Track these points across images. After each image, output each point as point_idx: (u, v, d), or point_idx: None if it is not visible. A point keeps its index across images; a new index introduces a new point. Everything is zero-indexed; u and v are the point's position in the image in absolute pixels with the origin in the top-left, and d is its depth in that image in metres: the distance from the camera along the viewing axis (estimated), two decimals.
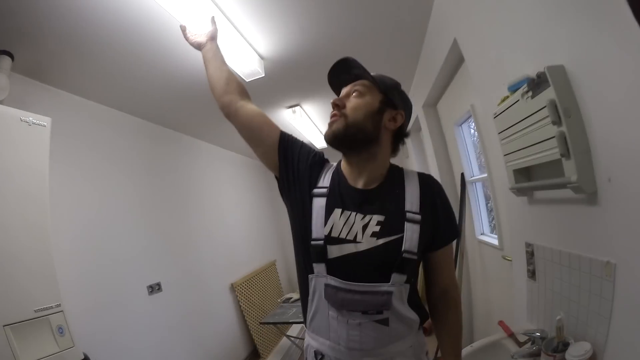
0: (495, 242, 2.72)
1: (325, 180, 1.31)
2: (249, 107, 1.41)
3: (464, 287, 3.56)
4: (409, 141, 5.25)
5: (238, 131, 1.42)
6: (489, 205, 3.23)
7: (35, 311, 1.89)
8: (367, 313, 1.16)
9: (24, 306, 1.86)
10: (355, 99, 1.26)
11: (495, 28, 1.75)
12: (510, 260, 2.23)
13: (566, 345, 1.33)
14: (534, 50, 1.43)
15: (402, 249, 1.16)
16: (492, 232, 3.15)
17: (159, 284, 3.60)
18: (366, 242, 1.17)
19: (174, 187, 4.29)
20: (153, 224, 3.76)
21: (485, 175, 2.71)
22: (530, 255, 1.79)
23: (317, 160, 1.37)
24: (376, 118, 1.25)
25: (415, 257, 1.18)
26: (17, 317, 1.82)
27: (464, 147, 3.39)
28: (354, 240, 1.18)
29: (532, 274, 1.78)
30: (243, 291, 5.29)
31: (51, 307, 1.97)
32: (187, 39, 1.67)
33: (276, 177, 1.40)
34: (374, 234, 1.18)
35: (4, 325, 1.74)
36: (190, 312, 4.05)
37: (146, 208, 3.69)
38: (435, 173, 4.15)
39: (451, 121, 3.46)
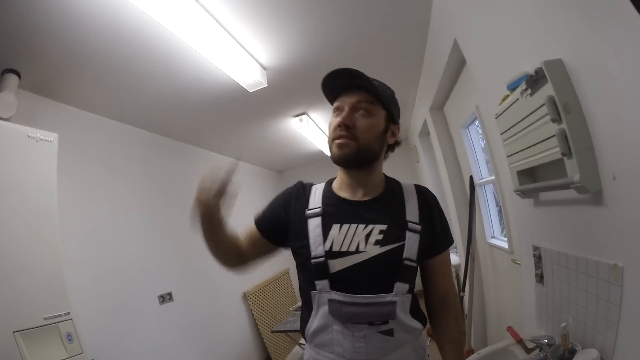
0: (505, 245, 2.66)
1: (316, 202, 1.32)
2: (247, 257, 1.45)
3: (477, 292, 3.50)
4: (419, 145, 5.28)
5: (254, 265, 1.50)
6: (499, 207, 3.17)
7: (45, 319, 1.96)
8: (373, 324, 1.16)
9: (34, 313, 1.93)
10: (364, 119, 1.23)
11: (493, 24, 1.71)
12: (519, 264, 2.17)
13: (573, 352, 1.27)
14: (532, 44, 1.38)
15: (403, 256, 1.17)
16: (502, 234, 3.08)
17: (170, 294, 3.61)
18: (370, 251, 1.18)
19: (184, 197, 4.26)
20: (163, 234, 3.78)
21: (493, 177, 2.65)
22: (538, 258, 1.73)
23: (294, 193, 1.39)
24: (383, 137, 1.28)
25: (414, 264, 1.20)
26: (27, 324, 1.88)
27: (471, 149, 3.33)
28: (357, 251, 1.18)
29: (540, 278, 1.73)
30: (256, 300, 5.28)
31: (60, 315, 2.04)
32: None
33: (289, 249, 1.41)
34: (377, 242, 1.19)
35: (14, 332, 1.81)
36: (202, 322, 4.05)
37: (156, 218, 3.72)
38: (444, 176, 4.12)
39: (458, 124, 3.41)
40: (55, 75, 2.50)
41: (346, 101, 1.25)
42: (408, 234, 1.20)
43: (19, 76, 2.31)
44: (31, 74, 2.37)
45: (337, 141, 1.24)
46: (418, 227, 1.22)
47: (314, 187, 1.38)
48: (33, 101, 2.59)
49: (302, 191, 1.38)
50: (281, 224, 1.35)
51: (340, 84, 1.27)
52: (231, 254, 1.41)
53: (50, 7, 1.88)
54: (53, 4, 1.85)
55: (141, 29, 2.17)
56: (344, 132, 1.22)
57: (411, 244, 1.19)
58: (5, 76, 2.25)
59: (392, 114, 1.29)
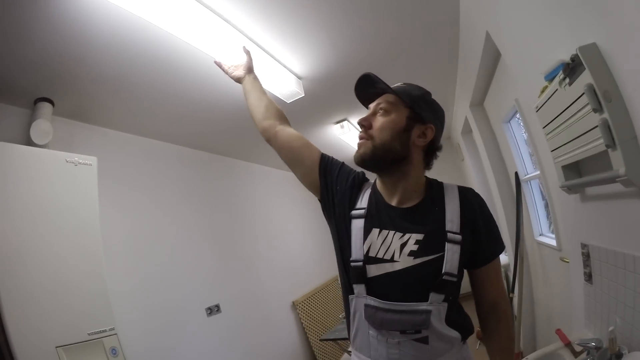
0: (554, 242, 2.55)
1: (363, 201, 1.31)
2: (288, 130, 1.47)
3: (526, 291, 3.38)
4: (462, 143, 5.17)
5: (278, 153, 1.47)
6: (545, 202, 3.04)
7: (89, 334, 2.03)
8: (406, 332, 1.13)
9: (78, 329, 2.00)
10: (381, 117, 1.24)
11: (523, 12, 1.64)
12: (568, 262, 2.07)
13: (619, 356, 1.20)
14: (565, 30, 1.32)
15: (443, 270, 1.13)
16: (550, 231, 2.96)
17: (217, 306, 3.66)
18: (403, 261, 1.15)
19: (229, 210, 4.40)
20: (210, 246, 3.86)
21: (539, 172, 2.55)
22: (586, 256, 1.65)
23: (356, 181, 1.37)
24: (404, 136, 1.22)
25: (455, 279, 1.14)
26: (71, 339, 1.94)
27: (514, 144, 3.22)
28: (391, 260, 1.17)
29: (588, 277, 1.64)
30: (304, 308, 5.28)
31: (105, 331, 2.10)
32: (226, 73, 1.76)
33: (319, 200, 1.41)
34: (411, 253, 1.15)
35: (56, 347, 1.87)
36: (250, 332, 4.08)
37: (201, 232, 3.80)
38: (489, 174, 4.02)
39: (499, 118, 3.31)
40: (89, 100, 2.55)
41: (371, 106, 1.30)
42: (448, 246, 1.15)
43: (53, 104, 2.39)
44: (65, 100, 2.43)
45: (358, 142, 1.27)
46: (458, 238, 1.16)
47: (366, 185, 1.37)
48: (69, 127, 2.67)
49: (359, 184, 1.37)
50: (334, 188, 1.36)
51: (371, 92, 1.30)
52: (264, 107, 1.53)
53: (78, 36, 1.92)
54: (76, 31, 1.89)
55: (176, 50, 2.22)
56: (362, 132, 1.26)
57: (451, 256, 1.14)
58: (39, 105, 2.33)
59: (418, 112, 1.23)
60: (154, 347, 2.84)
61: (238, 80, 1.70)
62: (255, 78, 1.67)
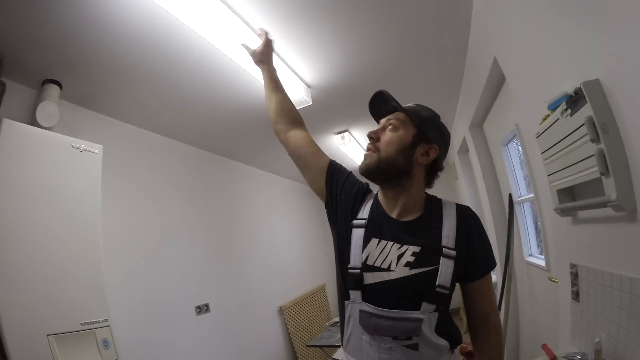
0: (542, 263, 2.65)
1: (364, 212, 1.36)
2: (298, 136, 1.54)
3: (512, 310, 3.46)
4: (457, 163, 5.27)
5: (290, 156, 1.53)
6: (538, 224, 3.14)
7: (82, 324, 2.02)
8: (397, 338, 1.19)
9: (72, 318, 1.99)
10: (389, 132, 1.31)
11: (534, 44, 1.74)
12: (556, 282, 2.17)
13: None
14: (571, 64, 1.42)
15: (437, 283, 1.18)
16: (539, 252, 3.06)
17: (207, 305, 3.71)
18: (399, 271, 1.21)
19: (224, 212, 4.45)
20: (203, 246, 3.90)
21: (532, 195, 2.66)
22: (575, 276, 1.74)
23: (360, 192, 1.42)
24: (408, 153, 1.29)
25: (447, 291, 1.20)
26: (63, 328, 1.94)
27: (510, 167, 3.33)
28: (388, 269, 1.22)
29: (576, 296, 1.73)
30: (291, 314, 5.34)
31: (98, 322, 2.10)
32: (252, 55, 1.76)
33: (325, 204, 1.47)
34: (407, 264, 1.21)
35: (47, 335, 1.86)
36: (237, 334, 4.13)
37: (196, 231, 3.84)
38: (483, 194, 4.09)
39: (497, 141, 3.41)
40: (99, 87, 2.55)
41: (382, 121, 1.38)
42: (442, 260, 1.20)
43: (60, 87, 2.37)
44: (73, 85, 2.42)
45: (364, 154, 1.35)
46: (453, 253, 1.22)
47: (369, 196, 1.43)
48: (74, 112, 2.66)
49: (363, 194, 1.43)
50: (338, 196, 1.41)
51: (384, 109, 1.39)
52: (275, 109, 1.60)
53: (94, 20, 1.92)
54: (96, 16, 1.90)
55: (190, 45, 2.25)
56: (370, 144, 1.34)
57: (445, 270, 1.19)
58: (46, 87, 2.30)
59: (424, 132, 1.31)
60: (142, 341, 2.87)
61: (258, 64, 1.74)
62: (267, 70, 1.69)
